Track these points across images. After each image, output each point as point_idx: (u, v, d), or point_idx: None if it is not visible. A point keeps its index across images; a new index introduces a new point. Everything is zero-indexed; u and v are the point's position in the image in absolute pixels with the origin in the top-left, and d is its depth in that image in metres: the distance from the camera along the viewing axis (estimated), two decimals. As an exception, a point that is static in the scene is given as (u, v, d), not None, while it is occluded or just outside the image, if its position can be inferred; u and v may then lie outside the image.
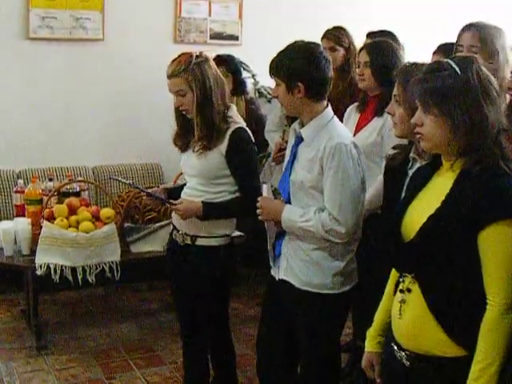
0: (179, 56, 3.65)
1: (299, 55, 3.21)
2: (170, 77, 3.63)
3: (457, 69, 2.35)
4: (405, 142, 3.19)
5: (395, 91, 3.03)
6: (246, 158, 3.67)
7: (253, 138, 3.74)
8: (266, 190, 3.40)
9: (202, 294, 3.77)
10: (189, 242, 3.77)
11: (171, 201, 3.74)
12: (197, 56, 3.61)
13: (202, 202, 3.64)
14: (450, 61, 2.40)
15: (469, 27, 3.96)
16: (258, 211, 3.33)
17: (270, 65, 3.29)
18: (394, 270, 2.68)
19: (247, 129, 3.72)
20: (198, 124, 3.62)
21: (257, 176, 3.77)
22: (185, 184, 3.88)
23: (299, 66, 3.19)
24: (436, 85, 2.35)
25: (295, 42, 3.30)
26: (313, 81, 3.22)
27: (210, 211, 3.65)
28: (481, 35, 3.87)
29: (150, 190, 3.92)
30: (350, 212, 3.18)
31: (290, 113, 3.39)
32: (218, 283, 3.76)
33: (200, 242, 3.74)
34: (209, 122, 3.59)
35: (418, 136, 2.45)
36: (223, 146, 3.60)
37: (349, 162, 3.17)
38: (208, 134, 3.60)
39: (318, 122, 3.27)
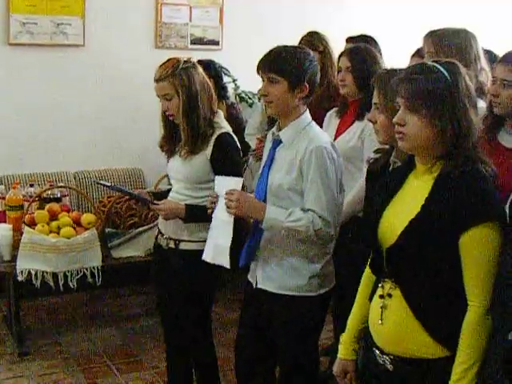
0: (167, 61, 3.70)
1: (304, 56, 3.24)
2: (157, 81, 3.68)
3: (445, 73, 2.38)
4: (386, 145, 3.21)
5: (375, 99, 3.04)
6: (231, 163, 3.67)
7: (238, 144, 3.76)
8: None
9: (184, 298, 3.79)
10: (172, 245, 3.80)
11: (155, 201, 3.76)
12: (184, 61, 3.66)
13: (186, 204, 3.67)
14: (436, 64, 2.43)
15: (428, 34, 3.99)
16: (232, 204, 3.20)
17: (270, 60, 3.24)
18: (364, 275, 2.71)
19: (232, 134, 3.75)
20: (184, 129, 3.65)
21: None
22: (170, 189, 3.90)
23: (308, 66, 3.22)
24: (426, 86, 2.37)
25: (286, 45, 3.30)
26: (314, 82, 3.27)
27: (193, 213, 3.67)
28: (437, 41, 3.91)
29: (134, 192, 3.92)
30: (335, 213, 3.22)
31: (278, 113, 3.32)
32: (200, 287, 3.78)
33: (183, 246, 3.77)
34: (194, 127, 3.62)
35: (400, 136, 2.46)
36: (208, 151, 3.63)
37: (330, 165, 3.20)
38: (193, 139, 3.63)
39: (297, 125, 3.29)
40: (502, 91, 3.26)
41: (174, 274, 3.80)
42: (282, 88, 3.22)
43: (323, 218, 3.17)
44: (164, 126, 3.84)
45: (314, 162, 3.17)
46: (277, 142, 3.34)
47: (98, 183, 4.09)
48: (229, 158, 3.67)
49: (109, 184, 3.92)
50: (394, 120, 2.46)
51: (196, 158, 3.66)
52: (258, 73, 3.30)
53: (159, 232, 3.93)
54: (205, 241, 3.65)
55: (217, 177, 3.43)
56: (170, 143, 3.83)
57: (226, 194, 3.23)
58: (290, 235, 3.23)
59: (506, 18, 7.48)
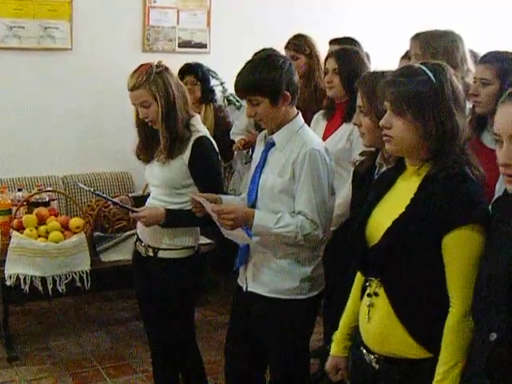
0: (139, 67, 3.63)
1: (273, 65, 3.20)
2: (132, 89, 3.61)
3: (431, 75, 2.39)
4: (371, 148, 3.22)
5: (359, 102, 3.05)
6: (209, 167, 3.66)
7: (216, 147, 3.73)
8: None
9: (165, 306, 3.76)
10: (151, 253, 3.77)
11: (134, 208, 3.73)
12: (156, 66, 3.60)
13: (166, 209, 3.63)
14: (422, 66, 2.43)
15: (415, 36, 4.01)
16: (229, 223, 3.17)
17: (243, 86, 3.24)
18: (358, 273, 2.72)
19: (210, 137, 3.71)
20: (163, 134, 3.60)
21: (220, 185, 3.76)
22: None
23: (281, 75, 3.19)
24: (411, 90, 2.37)
25: (254, 57, 3.30)
26: (293, 85, 3.26)
27: (173, 219, 3.64)
28: (423, 43, 3.93)
29: (115, 199, 3.87)
30: (324, 217, 3.22)
31: (272, 127, 3.32)
32: (181, 295, 3.75)
33: (162, 254, 3.74)
34: (173, 131, 3.58)
35: (386, 138, 2.47)
36: (186, 155, 3.59)
37: (323, 168, 3.20)
38: (171, 143, 3.59)
39: (291, 128, 3.29)
40: (481, 90, 3.30)
41: (154, 283, 3.78)
42: (265, 106, 3.21)
43: (313, 220, 3.17)
44: (140, 133, 3.78)
45: (306, 164, 3.17)
46: (269, 145, 3.34)
47: (76, 185, 4.07)
48: (207, 162, 3.64)
49: (87, 188, 3.87)
50: (381, 123, 2.47)
51: (174, 162, 3.61)
52: (238, 97, 3.30)
53: (138, 239, 3.90)
54: (183, 248, 3.71)
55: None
56: (147, 150, 3.77)
57: (219, 215, 3.18)
58: (278, 240, 3.23)
59: (493, 19, 7.50)
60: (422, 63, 2.49)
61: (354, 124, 3.19)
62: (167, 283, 3.73)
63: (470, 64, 3.92)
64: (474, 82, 3.40)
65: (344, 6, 7.09)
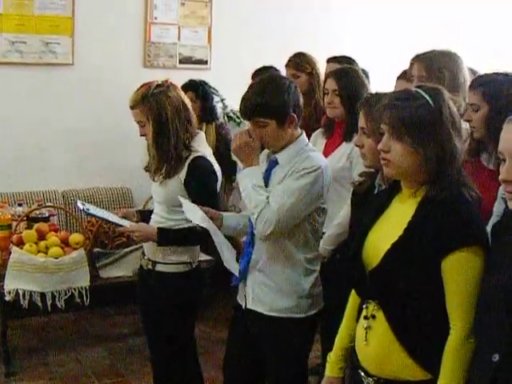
0: (140, 87, 3.68)
1: (280, 88, 3.21)
2: (131, 108, 3.69)
3: (429, 99, 2.39)
4: (371, 169, 3.22)
5: (361, 123, 3.03)
6: (204, 186, 3.67)
7: (214, 166, 3.75)
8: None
9: (163, 320, 3.78)
10: (150, 267, 3.80)
11: (121, 223, 3.73)
12: (157, 85, 3.64)
13: (158, 227, 3.66)
14: (420, 90, 2.43)
15: (417, 57, 4.01)
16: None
17: (251, 108, 3.21)
18: (352, 295, 2.72)
19: (208, 157, 3.73)
20: (153, 154, 3.67)
21: (215, 204, 3.70)
22: None
23: (289, 98, 3.19)
24: (410, 114, 2.37)
25: (259, 80, 3.31)
26: (299, 107, 3.27)
27: (166, 237, 3.66)
28: (428, 65, 3.93)
29: (119, 214, 3.88)
30: (285, 216, 3.15)
31: (277, 149, 3.30)
32: (178, 310, 3.76)
33: (159, 267, 3.77)
34: (164, 153, 3.63)
35: (384, 162, 2.47)
36: (182, 175, 3.63)
37: (318, 184, 3.19)
38: (166, 164, 3.64)
39: (295, 147, 3.28)
40: (473, 116, 3.29)
41: (151, 296, 3.81)
42: (272, 128, 3.21)
43: (269, 201, 3.15)
44: (148, 148, 3.83)
45: (300, 174, 3.17)
46: (273, 163, 3.34)
47: (75, 203, 4.08)
48: (202, 182, 3.66)
49: (81, 207, 3.85)
50: (379, 147, 2.47)
51: (171, 181, 3.66)
52: (244, 119, 3.30)
53: (142, 252, 3.93)
54: (179, 263, 3.74)
55: (182, 200, 3.43)
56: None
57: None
58: (275, 256, 3.25)
59: (492, 37, 7.53)
60: (417, 87, 2.50)
61: (356, 145, 3.19)
62: (166, 296, 3.75)
63: None
64: (467, 108, 3.39)
65: (342, 26, 7.12)
